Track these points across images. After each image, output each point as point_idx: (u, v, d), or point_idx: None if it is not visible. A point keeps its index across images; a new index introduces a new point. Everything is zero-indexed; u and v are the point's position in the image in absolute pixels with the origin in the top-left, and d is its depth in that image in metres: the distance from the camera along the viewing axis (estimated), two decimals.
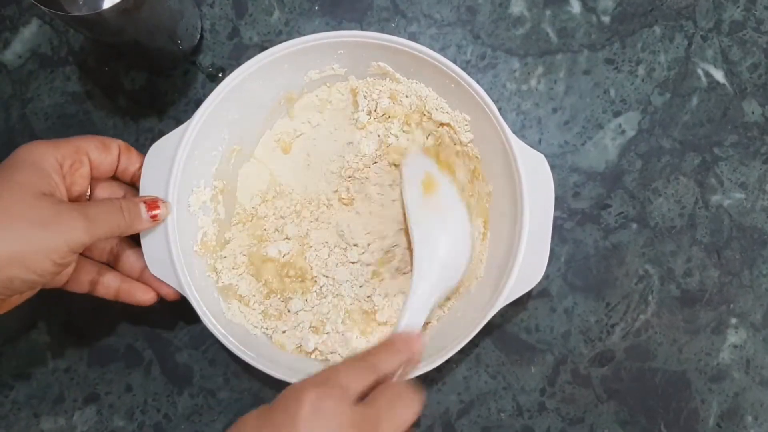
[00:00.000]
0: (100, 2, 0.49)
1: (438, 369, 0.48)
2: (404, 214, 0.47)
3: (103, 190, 0.45)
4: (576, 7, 0.53)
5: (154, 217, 0.43)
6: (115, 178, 0.46)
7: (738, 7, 0.53)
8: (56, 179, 0.40)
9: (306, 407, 0.31)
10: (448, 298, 0.47)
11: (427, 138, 0.49)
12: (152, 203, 0.43)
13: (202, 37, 0.53)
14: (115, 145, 0.44)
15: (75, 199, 0.43)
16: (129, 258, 0.46)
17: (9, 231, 0.36)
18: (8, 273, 0.37)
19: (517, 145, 0.44)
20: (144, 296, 0.46)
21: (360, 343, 0.47)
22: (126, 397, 0.50)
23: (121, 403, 0.50)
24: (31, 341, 0.50)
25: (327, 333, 0.47)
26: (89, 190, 0.44)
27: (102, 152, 0.43)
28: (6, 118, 0.53)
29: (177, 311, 0.50)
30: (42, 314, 0.51)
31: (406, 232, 0.48)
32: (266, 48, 0.45)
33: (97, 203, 0.42)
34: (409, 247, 0.47)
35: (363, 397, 0.34)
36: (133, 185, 0.46)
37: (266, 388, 0.49)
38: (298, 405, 0.32)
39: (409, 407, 0.34)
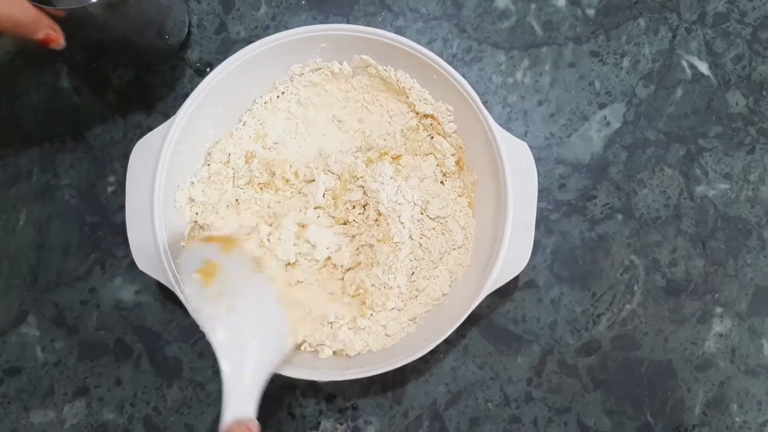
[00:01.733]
0: None
1: (426, 360, 0.49)
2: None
3: None
4: (561, 0, 0.53)
5: (46, 38, 0.41)
6: None
7: None
8: None
9: None
10: (426, 278, 0.47)
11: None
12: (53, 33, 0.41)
13: (189, 32, 0.53)
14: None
15: None
16: None
17: None
18: None
19: (500, 133, 0.44)
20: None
21: (348, 335, 0.47)
22: (116, 391, 0.50)
23: (111, 396, 0.50)
24: (21, 335, 0.51)
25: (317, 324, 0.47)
26: None
27: None
28: None
29: (166, 305, 0.51)
30: (32, 309, 0.51)
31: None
32: (253, 43, 0.46)
33: None
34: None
35: None
36: None
37: None
38: None
39: None
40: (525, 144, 0.44)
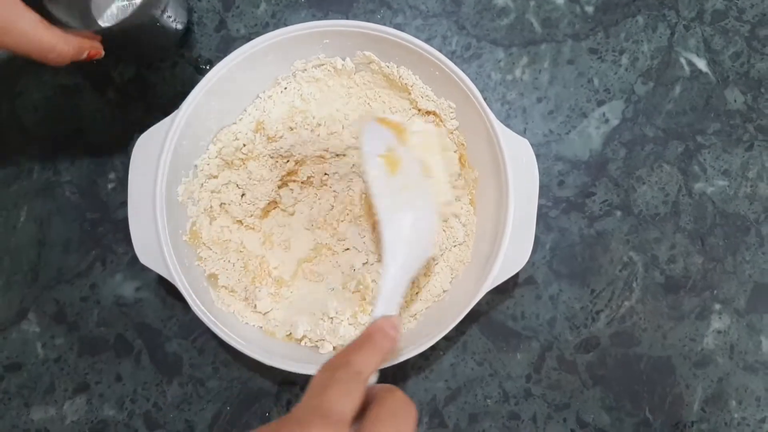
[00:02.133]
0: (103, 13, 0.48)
1: (425, 356, 0.49)
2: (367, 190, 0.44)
3: None
4: None
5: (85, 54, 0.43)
6: None
7: None
8: None
9: None
10: (427, 275, 0.47)
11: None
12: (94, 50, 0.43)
13: (189, 29, 0.53)
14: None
15: None
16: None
17: None
18: None
19: (502, 130, 0.44)
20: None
21: (348, 330, 0.47)
22: (116, 387, 0.50)
23: (111, 392, 0.50)
24: (22, 332, 0.51)
25: (318, 319, 0.47)
26: None
27: None
28: None
29: (166, 301, 0.51)
30: (32, 305, 0.51)
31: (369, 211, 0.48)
32: (257, 38, 0.46)
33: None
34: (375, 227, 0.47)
35: (358, 410, 0.33)
36: None
37: (255, 376, 0.50)
38: None
39: (407, 422, 0.33)
40: (526, 141, 0.44)
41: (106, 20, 0.45)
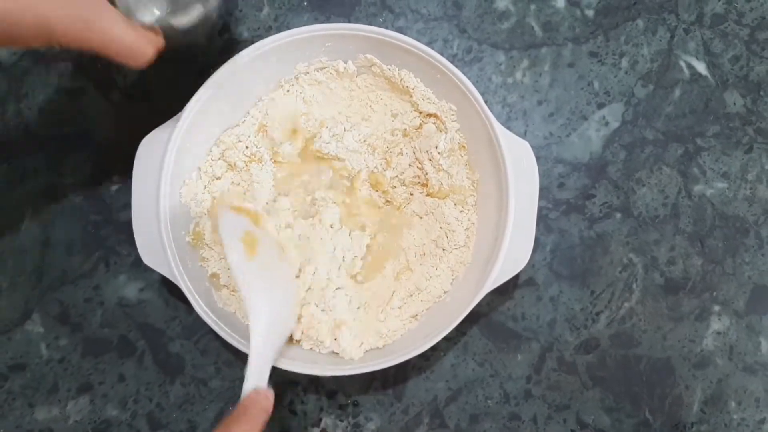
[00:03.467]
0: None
1: (426, 357, 0.49)
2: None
3: None
4: (560, 1, 0.54)
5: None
6: None
7: (719, 0, 0.54)
8: None
9: None
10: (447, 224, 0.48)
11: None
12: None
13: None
14: None
15: None
16: None
17: None
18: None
19: (502, 132, 0.45)
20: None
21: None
22: (119, 387, 0.51)
23: (114, 392, 0.50)
24: (26, 332, 0.51)
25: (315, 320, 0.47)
26: None
27: None
28: (1, 114, 0.53)
29: (170, 302, 0.51)
30: (36, 306, 0.51)
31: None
32: (261, 41, 0.46)
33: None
34: None
35: None
36: None
37: None
38: None
39: None
40: (527, 143, 0.45)
41: (178, 17, 0.43)
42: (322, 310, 0.47)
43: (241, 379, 0.50)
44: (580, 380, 0.50)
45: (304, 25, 0.47)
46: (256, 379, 0.41)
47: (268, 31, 0.54)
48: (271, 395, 0.41)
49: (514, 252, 0.44)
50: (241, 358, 0.50)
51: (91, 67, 0.54)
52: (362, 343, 0.47)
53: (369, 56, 0.48)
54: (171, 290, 0.51)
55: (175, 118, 0.46)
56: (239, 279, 0.42)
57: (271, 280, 0.44)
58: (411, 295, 0.48)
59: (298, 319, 0.46)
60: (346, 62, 0.49)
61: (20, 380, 0.51)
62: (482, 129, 0.45)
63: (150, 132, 0.46)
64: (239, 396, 0.50)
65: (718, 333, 0.51)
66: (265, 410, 0.40)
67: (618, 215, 0.52)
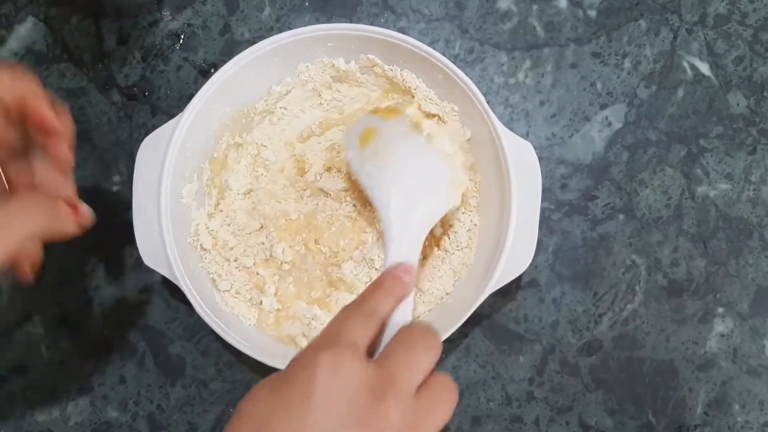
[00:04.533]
0: None
1: None
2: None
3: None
4: (562, 1, 0.54)
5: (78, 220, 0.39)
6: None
7: (722, 0, 0.54)
8: None
9: (321, 372, 0.30)
10: (450, 225, 0.48)
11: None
12: (73, 205, 0.39)
13: (194, 32, 0.54)
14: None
15: None
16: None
17: None
18: None
19: (504, 133, 0.44)
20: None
21: None
22: (119, 389, 0.50)
23: (115, 394, 0.50)
24: (26, 334, 0.51)
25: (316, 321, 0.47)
26: None
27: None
28: None
29: (170, 304, 0.51)
30: (37, 307, 0.51)
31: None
32: (262, 41, 0.46)
33: (10, 205, 0.35)
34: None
35: (372, 347, 0.34)
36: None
37: (259, 378, 0.50)
38: (313, 370, 0.30)
39: (424, 354, 0.33)
40: (529, 144, 0.45)
41: None
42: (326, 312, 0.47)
43: (242, 381, 0.50)
44: (582, 382, 0.50)
45: (305, 26, 0.47)
46: (394, 254, 0.41)
47: (270, 32, 0.54)
48: (412, 269, 0.39)
49: (517, 253, 0.44)
50: (243, 359, 0.50)
51: (92, 68, 0.54)
52: None
53: (371, 56, 0.47)
54: (172, 291, 0.51)
55: (176, 118, 0.46)
56: (355, 171, 0.44)
57: (393, 156, 0.43)
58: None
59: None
60: (348, 62, 0.48)
61: (20, 382, 0.51)
62: (484, 130, 0.45)
63: (151, 132, 0.46)
64: (240, 398, 0.50)
65: (722, 335, 0.50)
66: (401, 282, 0.37)
67: (621, 216, 0.51)
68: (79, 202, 0.39)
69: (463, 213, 0.48)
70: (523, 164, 0.44)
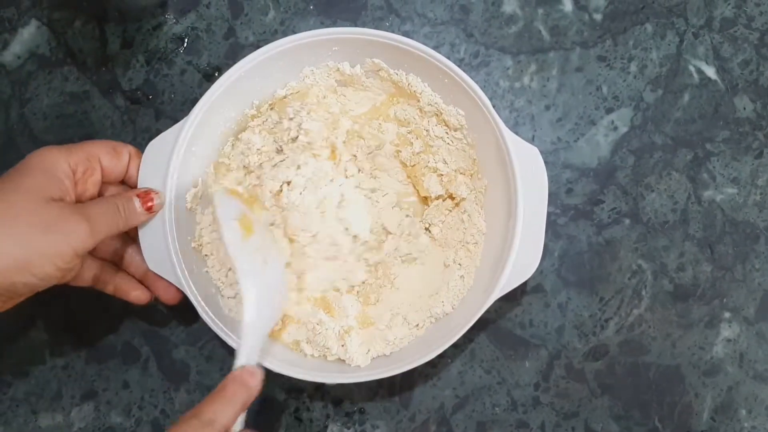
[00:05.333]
0: None
1: (433, 364, 0.49)
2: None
3: (109, 194, 0.45)
4: (568, 5, 0.54)
5: (149, 209, 0.44)
6: (122, 182, 0.46)
7: (729, 4, 0.54)
8: (68, 185, 0.40)
9: None
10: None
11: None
12: (145, 196, 0.44)
13: (198, 36, 0.53)
14: (126, 151, 0.45)
15: None
16: (133, 259, 0.47)
17: (13, 236, 0.37)
18: (12, 278, 0.37)
19: (511, 138, 0.44)
20: (137, 296, 0.46)
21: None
22: (123, 394, 0.50)
23: (119, 399, 0.50)
24: (30, 339, 0.51)
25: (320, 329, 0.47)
26: (98, 195, 0.45)
27: (113, 158, 0.44)
28: (5, 119, 0.53)
29: (174, 308, 0.51)
30: (41, 312, 0.51)
31: None
32: (267, 45, 0.46)
33: (94, 203, 0.42)
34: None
35: None
36: None
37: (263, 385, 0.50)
38: None
39: None
40: (535, 148, 0.44)
41: None
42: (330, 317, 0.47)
43: None
44: (588, 388, 0.50)
45: (310, 29, 0.46)
46: (246, 356, 0.42)
47: (274, 35, 0.54)
48: (258, 372, 0.41)
49: (523, 259, 0.44)
50: None
51: (96, 72, 0.54)
52: (369, 350, 0.46)
53: (376, 61, 0.47)
54: None
55: (181, 122, 0.45)
56: (233, 258, 0.43)
57: (263, 263, 0.44)
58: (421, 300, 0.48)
59: (285, 320, 0.47)
60: (353, 66, 0.48)
61: (24, 387, 0.50)
62: (490, 134, 0.45)
63: (155, 136, 0.46)
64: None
65: (728, 340, 0.50)
66: (246, 387, 0.39)
67: (627, 221, 0.51)
68: (150, 190, 0.44)
69: (469, 217, 0.48)
70: (529, 169, 0.44)
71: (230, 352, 0.49)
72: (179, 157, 0.45)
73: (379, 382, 0.49)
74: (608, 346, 0.50)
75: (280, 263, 0.46)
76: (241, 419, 0.40)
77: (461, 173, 0.48)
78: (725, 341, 0.50)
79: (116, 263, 0.47)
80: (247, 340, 0.42)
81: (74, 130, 0.53)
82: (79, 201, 0.42)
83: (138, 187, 0.45)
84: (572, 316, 0.50)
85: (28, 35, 0.54)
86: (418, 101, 0.48)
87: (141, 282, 0.47)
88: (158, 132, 0.46)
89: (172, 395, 0.50)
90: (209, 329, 0.44)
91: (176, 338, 0.51)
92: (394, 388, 0.50)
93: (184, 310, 0.50)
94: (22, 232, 0.37)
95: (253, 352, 0.42)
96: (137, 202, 0.43)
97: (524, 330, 0.50)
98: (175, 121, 0.46)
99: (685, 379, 0.50)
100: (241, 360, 0.41)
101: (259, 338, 0.43)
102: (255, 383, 0.40)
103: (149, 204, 0.43)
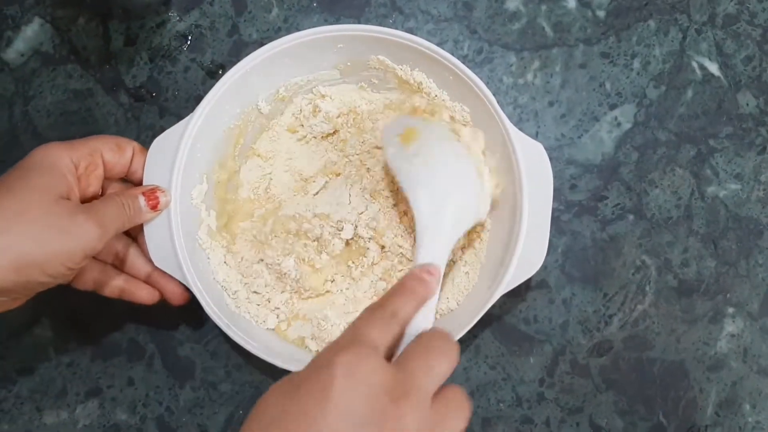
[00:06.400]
0: None
1: None
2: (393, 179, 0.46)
3: (112, 189, 0.46)
4: (571, 1, 0.54)
5: (154, 207, 0.44)
6: (124, 179, 0.46)
7: (731, 0, 0.54)
8: (71, 181, 0.41)
9: (340, 371, 0.30)
10: (477, 233, 0.48)
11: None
12: (151, 193, 0.44)
13: (201, 33, 0.53)
14: (130, 147, 0.45)
15: (88, 201, 0.43)
16: (136, 261, 0.47)
17: (27, 235, 0.37)
18: (26, 276, 0.37)
19: (516, 134, 0.44)
20: (146, 296, 0.46)
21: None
22: (128, 391, 0.50)
23: (124, 396, 0.50)
24: (35, 336, 0.51)
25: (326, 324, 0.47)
26: (101, 191, 0.45)
27: (116, 154, 0.44)
28: (9, 116, 0.53)
29: (179, 305, 0.51)
30: (45, 310, 0.51)
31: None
32: (271, 42, 0.46)
33: (101, 203, 0.42)
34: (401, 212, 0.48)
35: (392, 349, 0.34)
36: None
37: (268, 380, 0.50)
38: (332, 370, 0.30)
39: (443, 360, 0.33)
40: (540, 145, 0.44)
41: None
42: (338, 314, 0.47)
43: (252, 384, 0.50)
44: (593, 383, 0.50)
45: (313, 26, 0.46)
46: (423, 255, 0.41)
47: (278, 33, 0.54)
48: (436, 271, 0.39)
49: (528, 255, 0.44)
50: (252, 361, 0.49)
51: (99, 69, 0.54)
52: None
53: (381, 58, 0.47)
54: None
55: (186, 119, 0.45)
56: (395, 169, 0.44)
57: (424, 165, 0.43)
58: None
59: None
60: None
61: (29, 384, 0.50)
62: (495, 131, 0.45)
63: (159, 134, 0.46)
64: (250, 399, 0.50)
65: (732, 335, 0.50)
66: (424, 282, 0.38)
67: (630, 217, 0.51)
68: (155, 188, 0.44)
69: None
70: (534, 165, 0.44)
71: (235, 348, 0.49)
72: (185, 154, 0.45)
73: None
74: (612, 341, 0.50)
75: (461, 154, 0.44)
76: (431, 318, 0.39)
77: None
78: (729, 336, 0.50)
79: (117, 266, 0.47)
80: (425, 236, 0.42)
81: (78, 127, 0.53)
82: (82, 196, 0.42)
83: (143, 184, 0.45)
84: (576, 311, 0.50)
85: (31, 33, 0.54)
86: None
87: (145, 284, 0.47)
88: (162, 129, 0.46)
89: (177, 392, 0.50)
90: (214, 326, 0.44)
91: (181, 335, 0.51)
92: None
93: (189, 308, 0.50)
94: (40, 233, 0.37)
95: (431, 249, 0.42)
96: (142, 200, 0.43)
97: (529, 326, 0.50)
98: (179, 118, 0.46)
99: (689, 374, 0.50)
100: (418, 258, 0.41)
101: (440, 232, 0.42)
102: (433, 281, 0.39)
103: (154, 202, 0.43)
